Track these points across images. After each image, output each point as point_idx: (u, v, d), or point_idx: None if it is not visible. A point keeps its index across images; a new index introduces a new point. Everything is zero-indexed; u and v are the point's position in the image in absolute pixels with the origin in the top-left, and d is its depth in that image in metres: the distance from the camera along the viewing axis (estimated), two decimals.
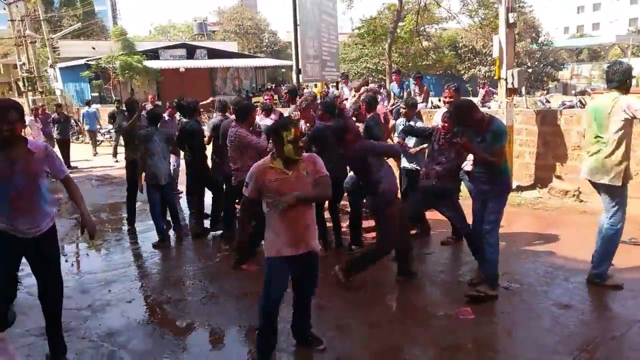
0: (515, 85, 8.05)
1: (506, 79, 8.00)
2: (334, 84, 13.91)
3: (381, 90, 12.46)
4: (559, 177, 8.13)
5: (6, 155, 3.24)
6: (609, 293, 4.51)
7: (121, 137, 8.40)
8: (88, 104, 16.00)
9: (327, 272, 4.71)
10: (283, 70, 37.17)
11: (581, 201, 7.38)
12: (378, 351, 3.74)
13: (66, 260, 6.07)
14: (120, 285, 5.13)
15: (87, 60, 24.29)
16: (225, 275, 5.35)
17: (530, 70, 28.46)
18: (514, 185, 8.27)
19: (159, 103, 15.95)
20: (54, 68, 21.35)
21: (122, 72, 23.06)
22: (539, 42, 34.49)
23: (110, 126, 14.31)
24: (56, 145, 12.68)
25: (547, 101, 18.45)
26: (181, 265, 5.80)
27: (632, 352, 3.52)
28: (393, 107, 8.63)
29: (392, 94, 11.73)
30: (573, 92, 25.28)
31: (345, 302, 4.53)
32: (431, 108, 12.35)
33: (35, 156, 3.35)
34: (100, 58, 23.59)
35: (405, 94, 10.93)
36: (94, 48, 26.05)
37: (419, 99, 9.70)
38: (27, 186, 3.32)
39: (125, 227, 7.19)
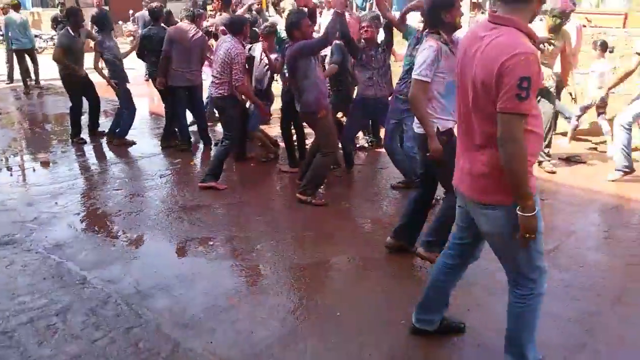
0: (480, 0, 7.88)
1: None
2: None
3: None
4: None
5: None
6: (548, 207, 4.71)
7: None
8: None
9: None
10: None
11: None
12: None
13: (11, 175, 5.84)
14: (67, 197, 4.98)
15: None
16: (180, 188, 5.27)
17: None
18: None
19: (106, 8, 14.86)
20: None
21: None
22: None
23: (54, 32, 13.37)
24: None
25: None
26: (134, 178, 5.66)
27: (568, 259, 3.73)
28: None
29: (354, 5, 11.33)
30: None
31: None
32: None
33: None
34: None
35: (367, 5, 10.59)
36: None
37: None
38: None
39: (70, 140, 6.90)
